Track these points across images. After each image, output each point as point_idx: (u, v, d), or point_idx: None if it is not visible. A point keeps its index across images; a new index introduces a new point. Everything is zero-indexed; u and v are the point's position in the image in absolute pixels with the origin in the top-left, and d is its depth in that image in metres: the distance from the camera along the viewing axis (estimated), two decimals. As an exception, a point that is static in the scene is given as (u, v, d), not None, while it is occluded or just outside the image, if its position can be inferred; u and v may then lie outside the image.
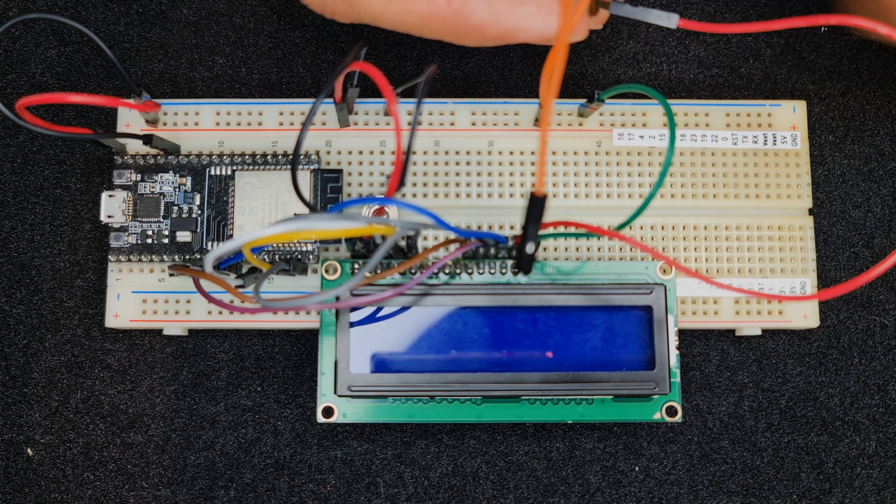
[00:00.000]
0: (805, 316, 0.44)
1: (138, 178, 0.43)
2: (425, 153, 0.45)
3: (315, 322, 0.44)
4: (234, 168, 0.43)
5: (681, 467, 0.45)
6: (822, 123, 0.48)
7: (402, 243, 0.41)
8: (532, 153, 0.45)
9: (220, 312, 0.44)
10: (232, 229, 0.43)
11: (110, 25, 0.48)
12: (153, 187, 0.43)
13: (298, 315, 0.44)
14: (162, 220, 0.43)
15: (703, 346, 0.46)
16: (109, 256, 0.43)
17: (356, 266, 0.41)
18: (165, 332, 0.44)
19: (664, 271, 0.41)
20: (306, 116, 0.34)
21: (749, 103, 0.46)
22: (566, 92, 0.47)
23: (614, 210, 0.45)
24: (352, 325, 0.40)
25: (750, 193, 0.45)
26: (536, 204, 0.34)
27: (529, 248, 0.35)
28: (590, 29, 0.42)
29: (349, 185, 0.45)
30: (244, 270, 0.42)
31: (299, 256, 0.43)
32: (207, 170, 0.43)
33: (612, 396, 0.40)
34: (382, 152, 0.45)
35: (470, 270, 0.41)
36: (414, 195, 0.45)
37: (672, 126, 0.35)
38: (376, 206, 0.43)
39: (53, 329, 0.46)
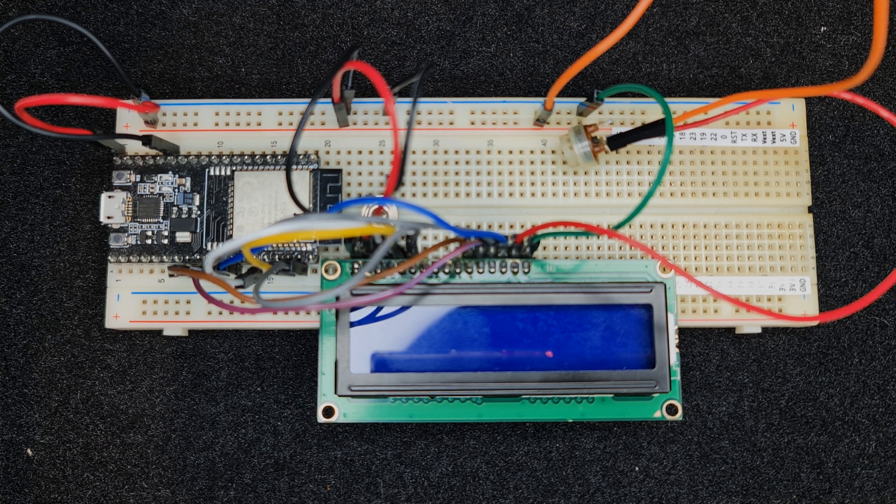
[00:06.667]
0: (805, 314, 0.44)
1: (138, 179, 0.43)
2: (424, 152, 0.45)
3: (315, 322, 0.44)
4: (234, 168, 0.43)
5: (681, 467, 0.45)
6: (821, 123, 0.48)
7: (402, 243, 0.41)
8: (531, 152, 0.45)
9: (220, 313, 0.44)
10: (231, 230, 0.43)
11: (110, 26, 0.48)
12: (152, 188, 0.43)
13: (298, 315, 0.44)
14: (161, 220, 0.43)
15: (703, 346, 0.46)
16: (109, 257, 0.43)
17: (356, 266, 0.40)
18: (165, 333, 0.44)
19: (664, 269, 0.41)
20: (300, 121, 0.34)
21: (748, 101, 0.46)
22: (566, 91, 0.47)
23: (613, 209, 0.45)
24: (352, 324, 0.40)
25: (749, 191, 0.45)
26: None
27: None
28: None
29: (349, 184, 0.45)
30: (244, 271, 0.42)
31: (299, 256, 0.43)
32: (207, 170, 0.43)
33: (612, 395, 0.40)
34: (382, 152, 0.45)
35: (470, 270, 0.41)
36: (413, 195, 0.45)
37: (670, 124, 0.35)
38: (375, 206, 0.43)
39: (53, 329, 0.46)
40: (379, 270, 0.39)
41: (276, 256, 0.43)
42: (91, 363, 0.45)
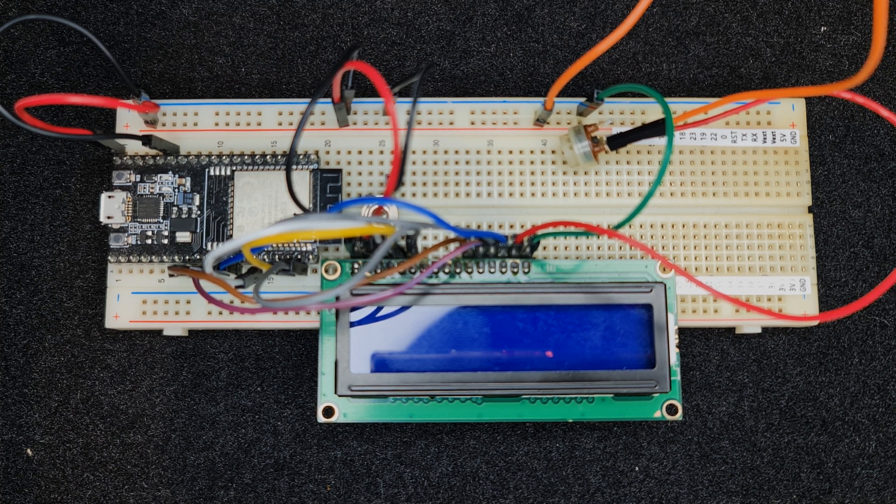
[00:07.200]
0: (805, 314, 0.44)
1: (138, 179, 0.43)
2: (424, 152, 0.45)
3: (315, 322, 0.44)
4: (234, 168, 0.43)
5: (681, 467, 0.45)
6: (822, 123, 0.48)
7: (402, 243, 0.41)
8: (531, 152, 0.45)
9: (220, 313, 0.44)
10: (231, 229, 0.43)
11: (110, 26, 0.48)
12: (152, 188, 0.43)
13: (298, 315, 0.44)
14: (161, 220, 0.43)
15: (703, 346, 0.46)
16: (109, 257, 0.43)
17: (356, 266, 0.40)
18: (165, 333, 0.44)
19: (664, 269, 0.41)
20: (300, 121, 0.34)
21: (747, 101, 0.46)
22: (566, 91, 0.47)
23: (613, 209, 0.45)
24: (352, 324, 0.40)
25: (749, 191, 0.45)
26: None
27: None
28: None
29: (349, 184, 0.45)
30: (244, 271, 0.42)
31: (299, 256, 0.43)
32: (207, 170, 0.43)
33: (612, 395, 0.40)
34: (382, 152, 0.45)
35: (470, 270, 0.41)
36: (413, 195, 0.45)
37: (670, 124, 0.35)
38: (375, 206, 0.43)
39: (53, 329, 0.46)
40: (379, 270, 0.39)
41: (276, 256, 0.43)
42: (91, 363, 0.45)
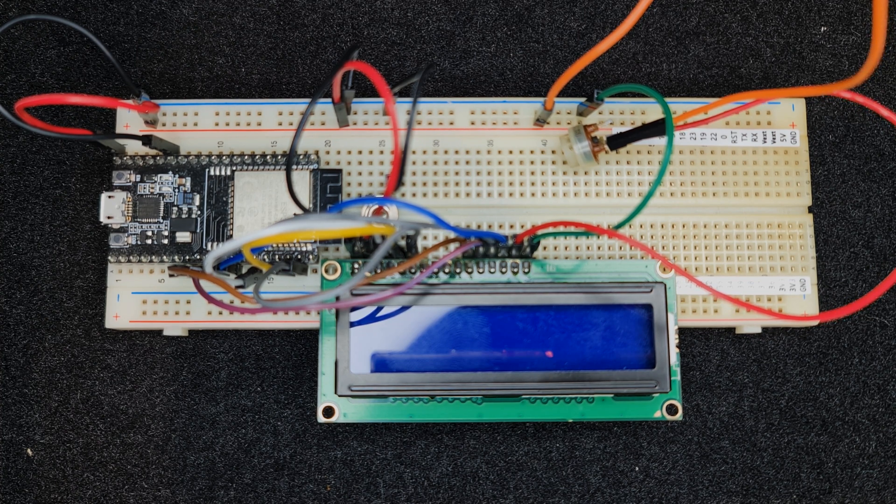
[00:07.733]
0: (805, 314, 0.44)
1: (138, 179, 0.43)
2: (424, 152, 0.45)
3: (315, 322, 0.44)
4: (234, 168, 0.43)
5: (681, 467, 0.45)
6: (821, 123, 0.48)
7: (402, 243, 0.41)
8: (531, 152, 0.45)
9: (220, 313, 0.44)
10: (231, 230, 0.43)
11: (110, 26, 0.48)
12: (152, 188, 0.43)
13: (298, 315, 0.44)
14: (161, 220, 0.43)
15: (703, 346, 0.46)
16: (109, 257, 0.43)
17: (356, 266, 0.40)
18: (165, 333, 0.44)
19: (664, 269, 0.41)
20: (300, 121, 0.34)
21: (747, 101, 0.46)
22: (566, 91, 0.47)
23: (613, 209, 0.45)
24: (352, 324, 0.40)
25: (749, 191, 0.45)
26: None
27: None
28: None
29: (349, 184, 0.45)
30: (244, 271, 0.42)
31: (299, 256, 0.43)
32: (207, 170, 0.43)
33: (612, 395, 0.40)
34: (382, 152, 0.45)
35: (470, 270, 0.41)
36: (413, 195, 0.45)
37: (670, 124, 0.35)
38: (375, 206, 0.43)
39: (53, 329, 0.46)
40: (379, 270, 0.39)
41: (276, 256, 0.43)
42: (91, 363, 0.45)
